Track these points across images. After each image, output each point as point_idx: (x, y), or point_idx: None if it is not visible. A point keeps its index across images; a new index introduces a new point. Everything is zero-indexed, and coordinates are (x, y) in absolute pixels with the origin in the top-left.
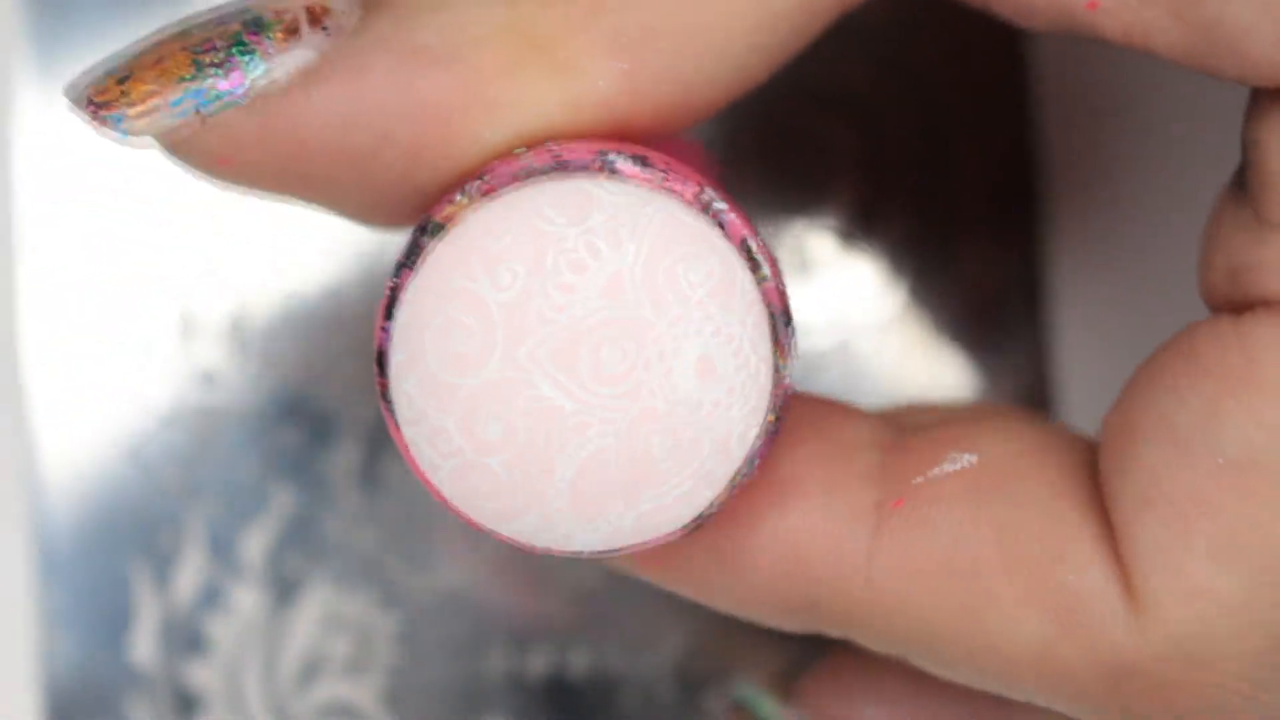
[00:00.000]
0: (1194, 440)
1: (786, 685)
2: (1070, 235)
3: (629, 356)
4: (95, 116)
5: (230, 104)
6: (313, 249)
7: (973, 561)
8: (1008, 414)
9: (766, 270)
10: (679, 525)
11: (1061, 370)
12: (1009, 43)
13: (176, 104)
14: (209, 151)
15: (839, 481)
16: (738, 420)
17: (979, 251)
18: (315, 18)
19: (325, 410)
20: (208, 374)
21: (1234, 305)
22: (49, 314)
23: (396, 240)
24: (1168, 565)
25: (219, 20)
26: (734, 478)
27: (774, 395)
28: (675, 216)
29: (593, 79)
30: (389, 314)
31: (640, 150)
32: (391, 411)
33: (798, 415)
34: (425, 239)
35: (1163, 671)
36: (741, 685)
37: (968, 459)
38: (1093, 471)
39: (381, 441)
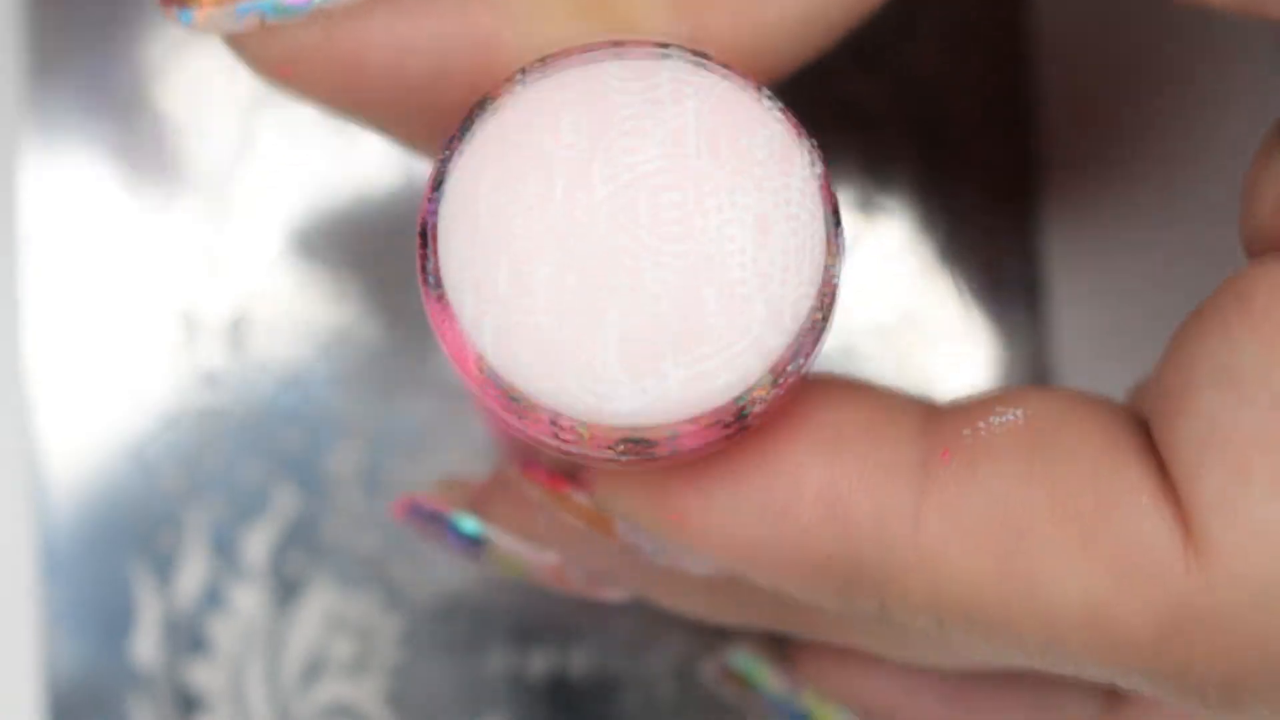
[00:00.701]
0: (1250, 381)
1: (781, 651)
2: (1070, 233)
3: (687, 203)
4: (168, 9)
5: (293, 13)
6: (314, 249)
7: (1024, 515)
8: (1048, 386)
9: (820, 167)
10: (728, 397)
11: (1062, 366)
12: (1009, 41)
13: (243, 10)
14: (270, 58)
15: (884, 436)
16: (791, 292)
17: (979, 251)
18: None
19: (327, 411)
20: (209, 374)
21: None
22: (51, 314)
23: (397, 241)
24: (1229, 506)
25: None
26: (782, 362)
27: (823, 289)
28: (737, 93)
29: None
30: (437, 185)
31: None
32: (433, 281)
33: (834, 387)
34: (478, 113)
35: (1223, 617)
36: (736, 652)
37: (1015, 413)
38: (1141, 428)
39: (383, 442)
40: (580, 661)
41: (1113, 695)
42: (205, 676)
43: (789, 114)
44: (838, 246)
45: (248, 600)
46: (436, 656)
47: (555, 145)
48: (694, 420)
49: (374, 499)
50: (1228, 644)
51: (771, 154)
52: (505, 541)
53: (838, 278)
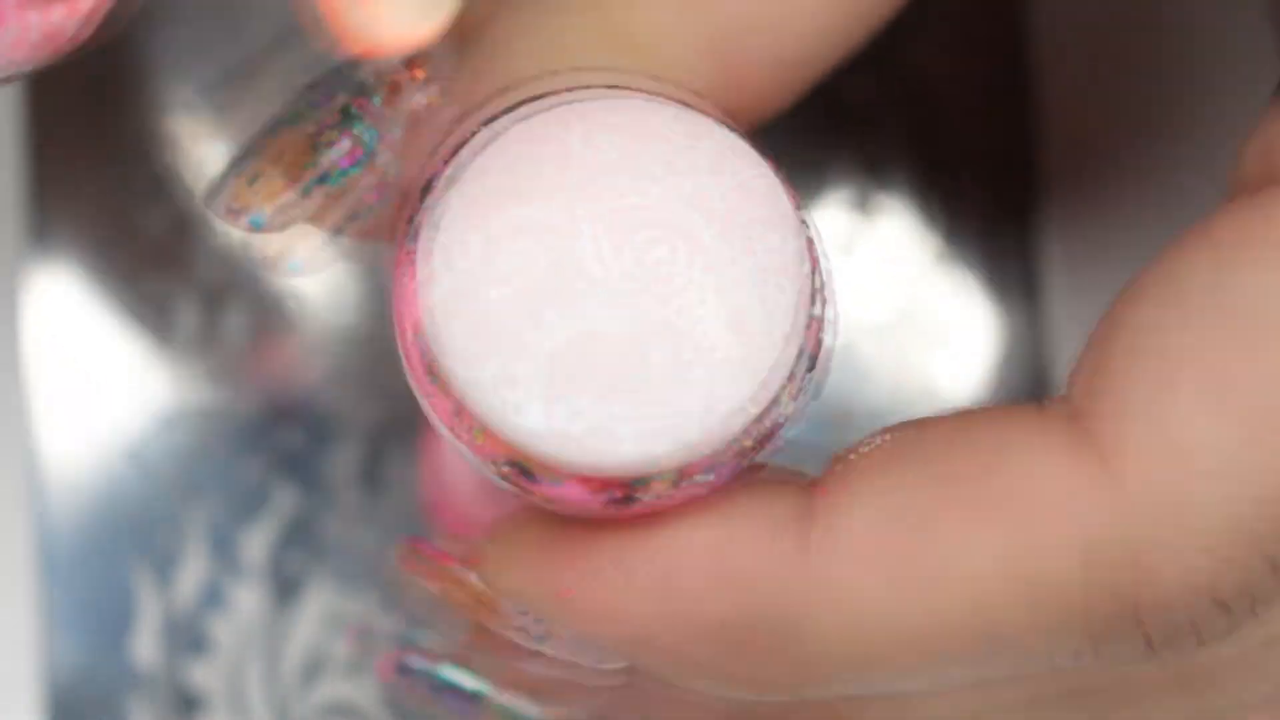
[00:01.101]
0: (1196, 295)
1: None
2: (1070, 233)
3: (675, 263)
4: (236, 222)
5: (353, 171)
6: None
7: (909, 504)
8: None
9: (818, 283)
10: (625, 471)
11: (1062, 365)
12: (1009, 42)
13: (306, 191)
14: (346, 227)
15: (770, 496)
16: (730, 405)
17: (979, 251)
18: (415, 69)
19: (326, 410)
20: (208, 375)
21: (1256, 189)
22: (51, 314)
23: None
24: (1150, 415)
25: (325, 95)
26: (691, 469)
27: (761, 424)
28: (768, 180)
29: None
30: (457, 150)
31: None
32: (410, 233)
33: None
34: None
35: (1140, 536)
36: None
37: (880, 438)
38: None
39: (383, 441)
40: None
41: None
42: (205, 676)
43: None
44: (797, 391)
45: (247, 600)
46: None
47: (580, 145)
48: (583, 478)
49: (374, 499)
50: (1144, 570)
51: (782, 260)
52: (509, 698)
53: (783, 421)
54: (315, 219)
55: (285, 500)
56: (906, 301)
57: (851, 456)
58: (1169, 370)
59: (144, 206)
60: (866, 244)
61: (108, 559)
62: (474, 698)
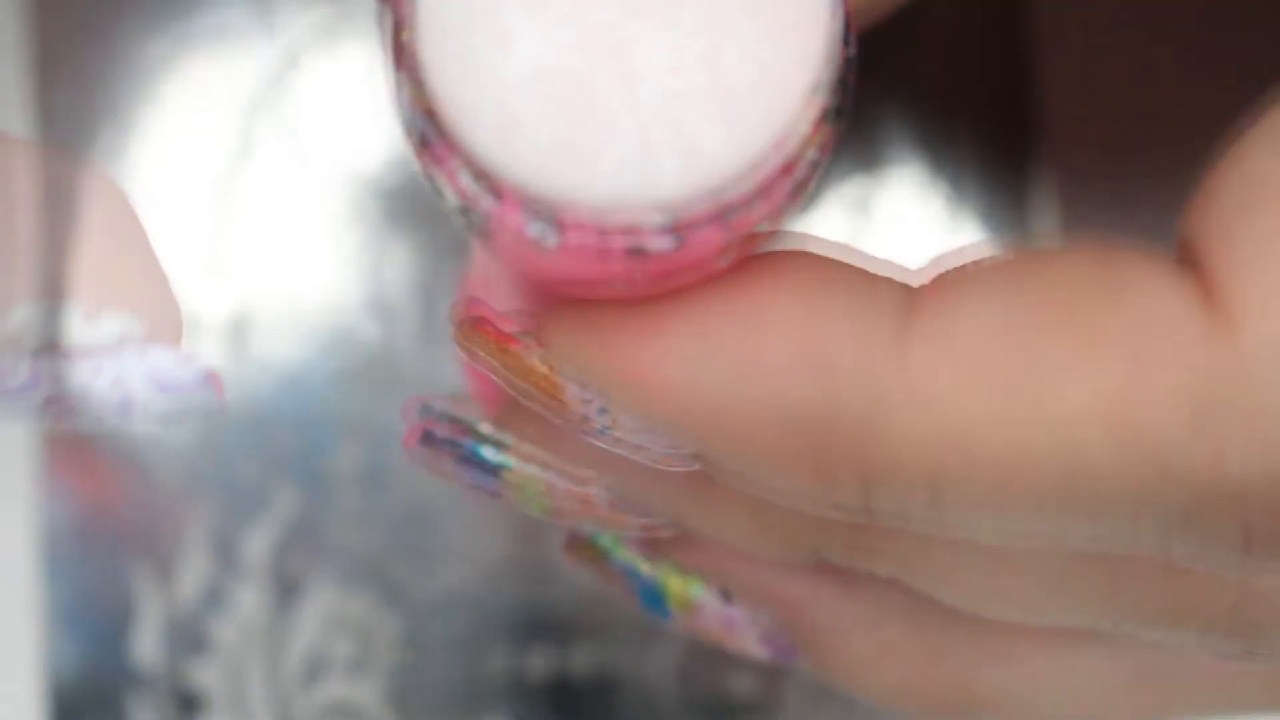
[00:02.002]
0: None
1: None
2: (1072, 233)
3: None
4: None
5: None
6: (314, 248)
7: (1020, 327)
8: None
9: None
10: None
11: None
12: (1009, 42)
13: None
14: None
15: (868, 284)
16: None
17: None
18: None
19: (327, 411)
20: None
21: None
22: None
23: (398, 242)
24: (1266, 263)
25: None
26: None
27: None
28: None
29: None
30: None
31: None
32: (416, 47)
33: (816, 248)
34: None
35: (1259, 387)
36: (597, 535)
37: (1008, 253)
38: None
39: (383, 442)
40: (580, 661)
41: None
42: (205, 676)
43: None
44: (815, 121)
45: (248, 600)
46: (437, 656)
47: None
48: (577, 224)
49: (374, 499)
50: (1262, 422)
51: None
52: (525, 464)
53: (795, 160)
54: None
55: (285, 500)
56: None
57: (967, 265)
58: None
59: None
60: (866, 244)
61: (108, 559)
62: (496, 470)
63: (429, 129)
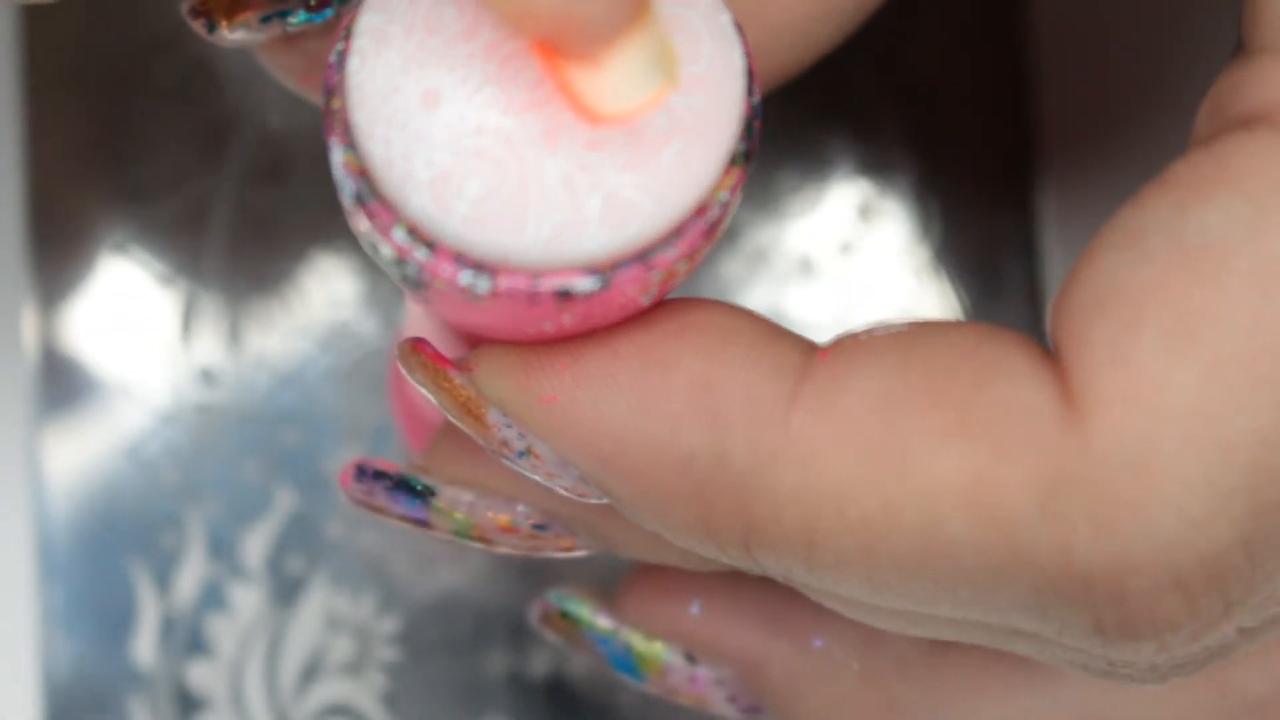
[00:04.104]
0: (1154, 238)
1: (606, 592)
2: (1070, 233)
3: None
4: (193, 18)
5: (312, 22)
6: (314, 247)
7: (897, 402)
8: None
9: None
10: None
11: None
12: (1009, 43)
13: (265, 21)
14: (291, 68)
15: (769, 342)
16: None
17: (978, 252)
18: None
19: (326, 410)
20: (208, 373)
21: (1209, 140)
22: (51, 313)
23: None
24: (1115, 360)
25: None
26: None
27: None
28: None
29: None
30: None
31: None
32: (347, 113)
33: (728, 305)
34: None
35: (1103, 479)
36: (558, 592)
37: (901, 325)
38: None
39: (383, 442)
40: (580, 661)
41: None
42: (205, 676)
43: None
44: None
45: (246, 600)
46: (435, 656)
47: None
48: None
49: None
50: (1106, 514)
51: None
52: (450, 489)
53: (712, 212)
54: (260, 49)
55: (285, 500)
56: (906, 301)
57: (861, 335)
58: (1132, 314)
59: (147, 202)
60: (866, 244)
61: (108, 559)
62: (424, 496)
63: (363, 189)
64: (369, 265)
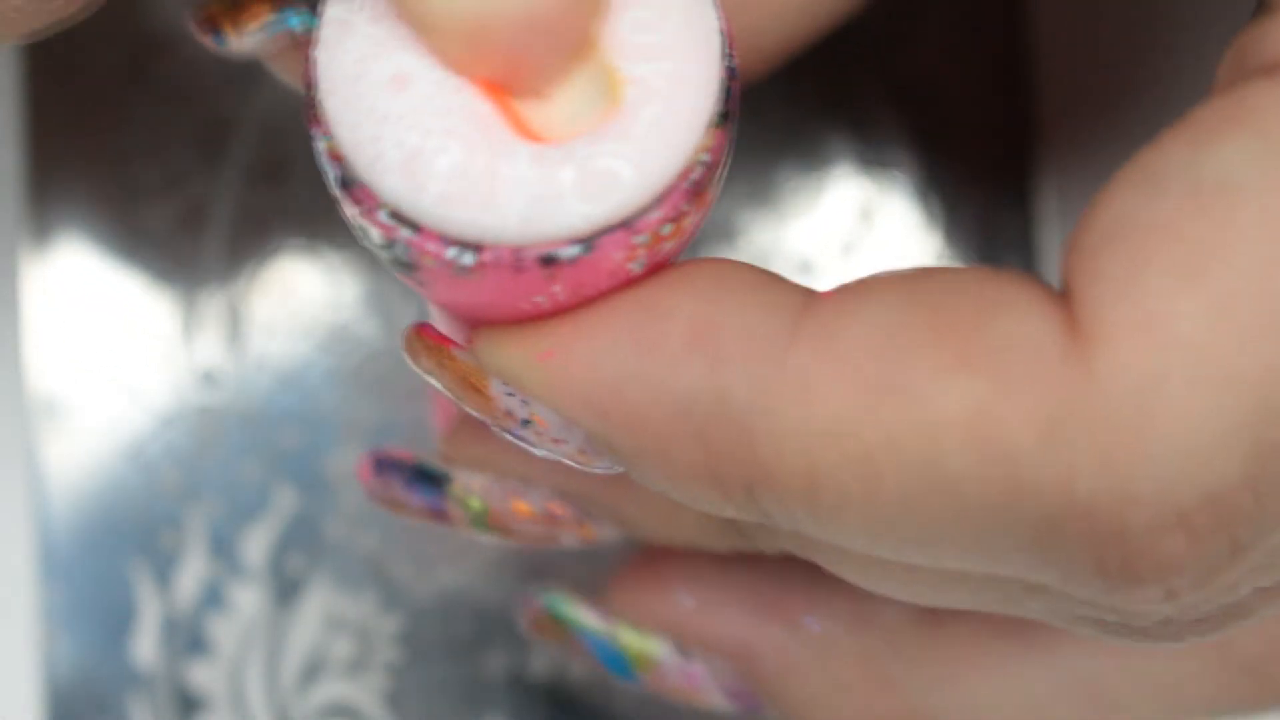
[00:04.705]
0: (1170, 175)
1: (594, 589)
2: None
3: None
4: (201, 31)
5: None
6: (313, 247)
7: (901, 336)
8: None
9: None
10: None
11: None
12: (1008, 42)
13: (273, 29)
14: (302, 74)
15: (767, 283)
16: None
17: (979, 251)
18: None
19: (327, 410)
20: (208, 373)
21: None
22: (51, 312)
23: None
24: (1124, 292)
25: None
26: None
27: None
28: None
29: None
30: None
31: None
32: (321, 112)
33: (725, 258)
34: None
35: (1107, 412)
36: (546, 593)
37: (906, 267)
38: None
39: (383, 442)
40: (581, 665)
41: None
42: (205, 676)
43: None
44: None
45: (247, 600)
46: (436, 656)
47: None
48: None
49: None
50: (1106, 451)
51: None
52: (465, 475)
53: (700, 172)
54: (272, 57)
55: (285, 500)
56: None
57: (865, 278)
58: (1145, 246)
59: (147, 202)
60: (867, 244)
61: (108, 559)
62: (440, 484)
63: (345, 174)
64: (370, 266)
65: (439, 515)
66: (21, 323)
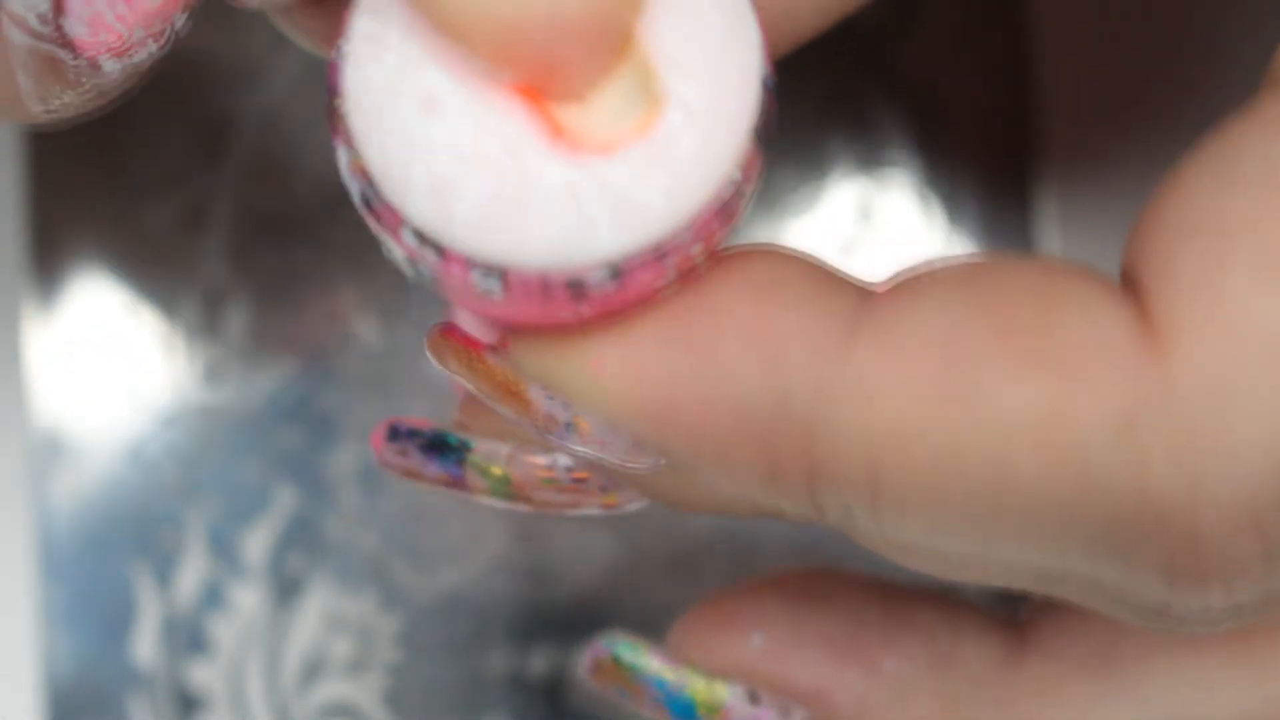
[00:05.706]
0: (1244, 168)
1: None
2: (1072, 233)
3: None
4: None
5: None
6: (313, 247)
7: (964, 332)
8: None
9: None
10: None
11: None
12: (1009, 42)
13: None
14: (314, 31)
15: (823, 283)
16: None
17: (980, 251)
18: None
19: (326, 410)
20: (208, 373)
21: None
22: (51, 312)
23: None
24: (1202, 287)
25: None
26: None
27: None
28: None
29: None
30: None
31: None
32: (346, 124)
33: (778, 249)
34: None
35: (1184, 410)
36: (610, 638)
37: (963, 259)
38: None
39: None
40: (579, 662)
41: (1011, 636)
42: (205, 676)
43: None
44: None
45: (247, 599)
46: (436, 656)
47: None
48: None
49: (374, 499)
50: (1182, 444)
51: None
52: (486, 441)
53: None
54: (285, 14)
55: (285, 500)
56: None
57: (922, 272)
58: (1222, 242)
59: (147, 202)
60: (867, 244)
61: (108, 559)
62: (460, 451)
63: (369, 191)
64: (370, 266)
65: (456, 483)
66: (21, 322)
